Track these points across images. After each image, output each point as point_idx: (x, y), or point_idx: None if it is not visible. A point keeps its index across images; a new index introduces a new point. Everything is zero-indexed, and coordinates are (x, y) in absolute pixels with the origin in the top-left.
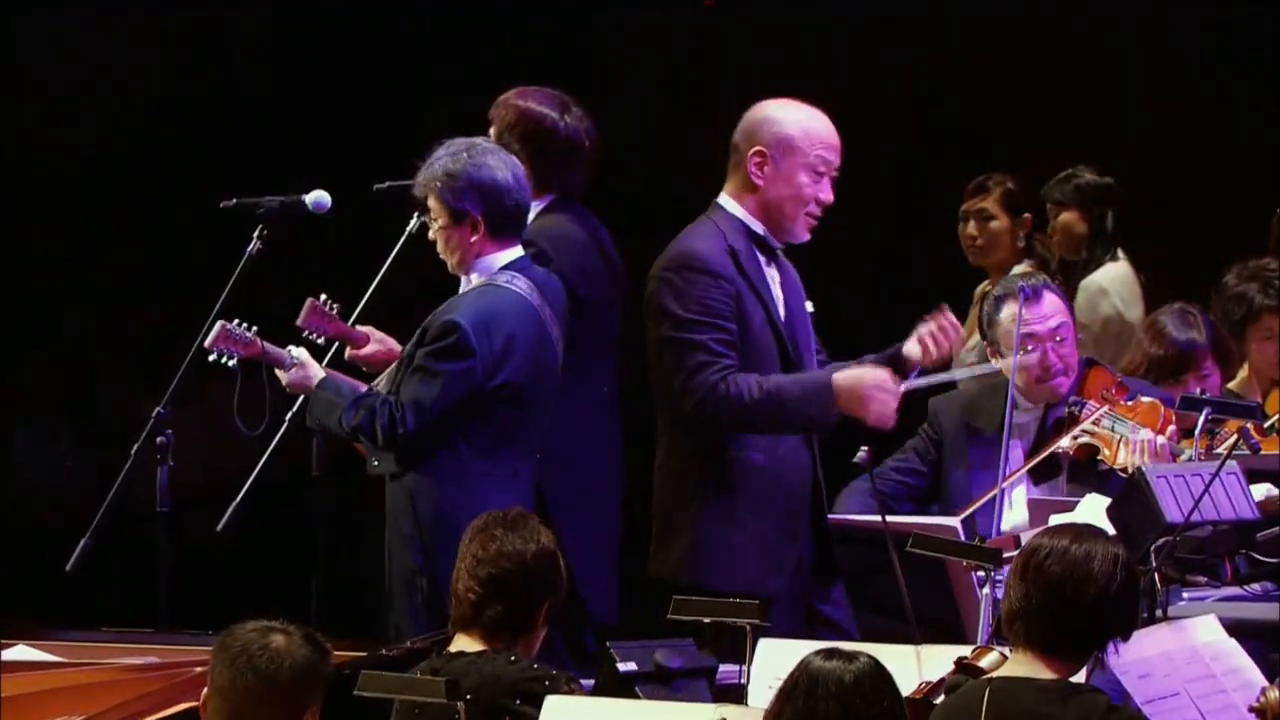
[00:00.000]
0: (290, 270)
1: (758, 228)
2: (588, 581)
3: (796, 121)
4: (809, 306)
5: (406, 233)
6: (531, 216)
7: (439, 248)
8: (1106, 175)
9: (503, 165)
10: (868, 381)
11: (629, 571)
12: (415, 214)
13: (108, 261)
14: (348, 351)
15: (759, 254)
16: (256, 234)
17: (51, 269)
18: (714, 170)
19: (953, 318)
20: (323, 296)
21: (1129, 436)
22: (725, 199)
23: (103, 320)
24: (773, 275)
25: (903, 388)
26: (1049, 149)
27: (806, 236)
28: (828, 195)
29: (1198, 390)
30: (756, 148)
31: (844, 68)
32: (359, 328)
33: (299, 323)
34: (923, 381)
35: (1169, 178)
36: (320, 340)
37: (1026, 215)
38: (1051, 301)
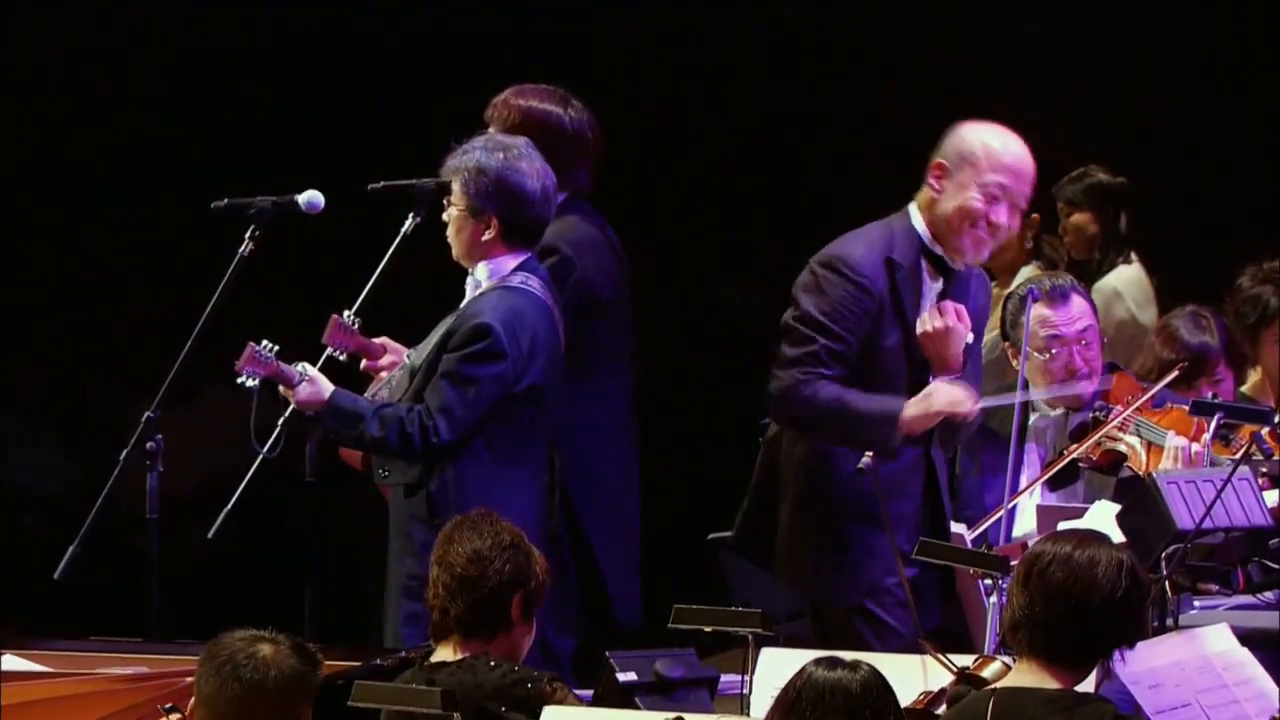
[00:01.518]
0: (284, 271)
1: (935, 246)
2: (616, 585)
3: (983, 141)
4: (969, 338)
5: (402, 234)
6: None
7: (449, 231)
8: (1119, 175)
9: (535, 175)
10: (937, 404)
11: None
12: (411, 215)
13: (98, 262)
14: (364, 363)
15: (927, 272)
16: (248, 234)
17: (40, 270)
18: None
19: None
20: (345, 312)
21: (1160, 443)
22: (912, 207)
23: (92, 322)
24: (935, 297)
25: (977, 406)
26: (1055, 148)
27: (974, 257)
28: (999, 218)
29: (1209, 395)
30: (938, 160)
31: (846, 67)
32: (373, 340)
33: (324, 340)
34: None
35: (1181, 179)
36: (343, 357)
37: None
38: (1078, 303)
